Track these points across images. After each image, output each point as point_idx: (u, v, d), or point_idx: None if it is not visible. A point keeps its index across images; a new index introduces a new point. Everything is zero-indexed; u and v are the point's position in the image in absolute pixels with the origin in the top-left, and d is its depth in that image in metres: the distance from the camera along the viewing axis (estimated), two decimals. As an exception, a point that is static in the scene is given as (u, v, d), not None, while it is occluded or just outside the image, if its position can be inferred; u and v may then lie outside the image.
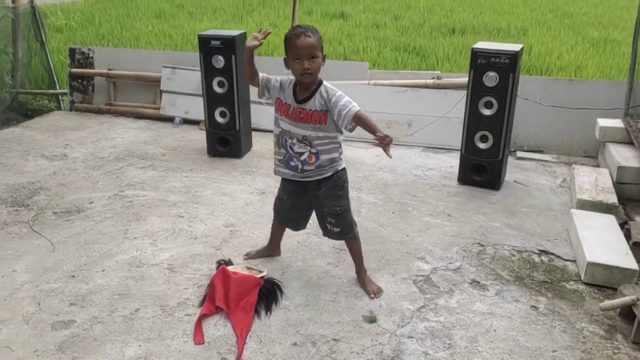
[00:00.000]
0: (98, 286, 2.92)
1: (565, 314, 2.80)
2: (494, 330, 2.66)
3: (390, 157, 2.49)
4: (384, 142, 2.43)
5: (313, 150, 2.71)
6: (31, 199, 3.95)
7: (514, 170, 4.59)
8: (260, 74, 2.77)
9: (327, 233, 2.98)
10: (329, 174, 2.77)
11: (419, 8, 13.33)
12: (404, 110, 5.09)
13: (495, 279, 3.08)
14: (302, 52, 2.54)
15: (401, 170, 4.58)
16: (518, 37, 10.41)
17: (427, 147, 5.08)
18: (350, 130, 2.65)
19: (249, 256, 3.21)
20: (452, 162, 4.74)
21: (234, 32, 4.44)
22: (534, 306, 2.85)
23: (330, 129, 2.68)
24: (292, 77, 2.72)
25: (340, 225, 2.88)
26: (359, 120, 2.57)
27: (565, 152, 4.98)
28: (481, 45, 3.98)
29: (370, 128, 2.54)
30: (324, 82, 2.69)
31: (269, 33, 2.69)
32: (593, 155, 4.87)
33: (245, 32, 4.51)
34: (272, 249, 3.24)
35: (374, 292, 2.90)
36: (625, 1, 15.05)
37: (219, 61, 4.41)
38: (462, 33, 10.51)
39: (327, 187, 2.79)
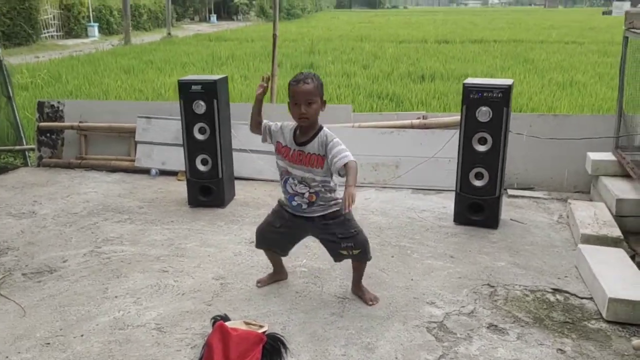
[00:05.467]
0: (77, 354, 2.58)
1: (595, 356, 2.59)
2: (524, 379, 2.42)
3: (346, 211, 2.67)
4: (348, 200, 2.57)
5: (312, 191, 2.86)
6: (-3, 260, 3.59)
7: (508, 209, 4.44)
8: (263, 122, 2.97)
9: (343, 258, 3.00)
10: (335, 209, 2.89)
11: (386, 58, 13.56)
12: (391, 151, 4.95)
13: (514, 321, 2.86)
14: (299, 97, 2.72)
15: (393, 213, 4.39)
16: (486, 81, 10.58)
17: (417, 188, 4.92)
18: (342, 176, 2.76)
19: (262, 282, 3.21)
20: (444, 203, 4.58)
21: (215, 77, 4.26)
22: (560, 349, 2.63)
23: (326, 174, 2.83)
24: (294, 123, 2.87)
25: (360, 246, 2.94)
26: (347, 170, 2.69)
27: (556, 189, 4.88)
28: (472, 80, 3.90)
29: (349, 179, 2.64)
30: (324, 128, 2.84)
31: (269, 77, 2.93)
32: (584, 190, 4.78)
33: (226, 76, 4.35)
34: (278, 274, 3.26)
35: (372, 300, 3.01)
36: (582, 49, 15.67)
37: (200, 106, 4.20)
38: (432, 79, 10.64)
39: (338, 217, 2.89)
